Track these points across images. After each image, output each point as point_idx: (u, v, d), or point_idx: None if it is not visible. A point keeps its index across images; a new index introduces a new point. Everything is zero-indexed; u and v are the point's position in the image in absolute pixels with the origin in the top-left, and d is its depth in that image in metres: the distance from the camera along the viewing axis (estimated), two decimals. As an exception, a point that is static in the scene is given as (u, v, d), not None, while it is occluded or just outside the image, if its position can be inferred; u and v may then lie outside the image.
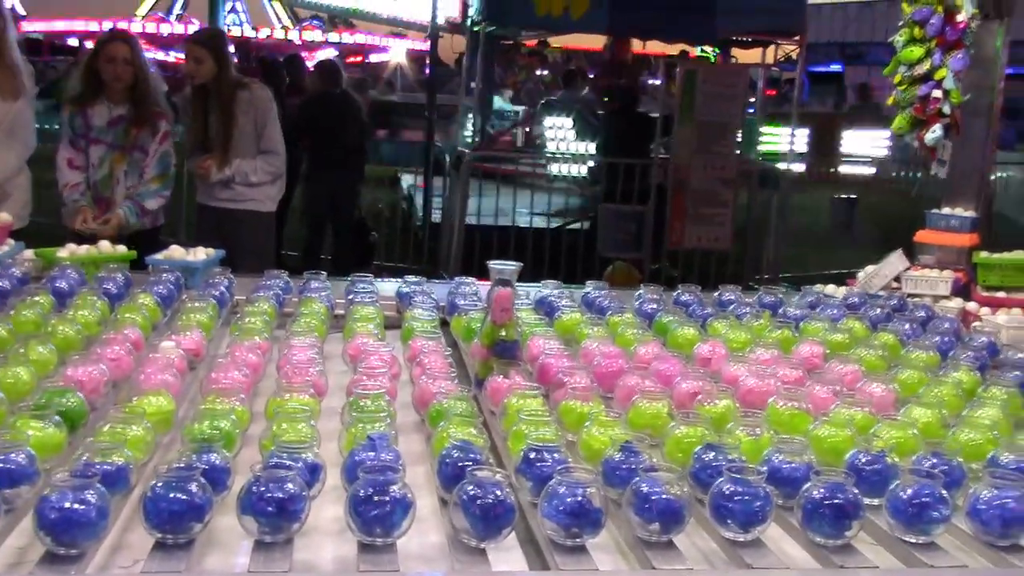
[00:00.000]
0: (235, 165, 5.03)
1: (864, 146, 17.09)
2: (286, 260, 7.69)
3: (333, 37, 33.07)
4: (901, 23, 3.89)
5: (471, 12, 8.42)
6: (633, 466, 1.79)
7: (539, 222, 8.86)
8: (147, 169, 4.72)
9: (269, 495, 1.57)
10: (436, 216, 9.74)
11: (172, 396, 2.10)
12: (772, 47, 9.22)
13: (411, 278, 3.42)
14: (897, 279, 3.72)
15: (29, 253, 3.59)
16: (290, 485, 1.59)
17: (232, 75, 5.10)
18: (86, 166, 4.68)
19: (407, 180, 11.15)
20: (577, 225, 9.08)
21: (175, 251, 3.60)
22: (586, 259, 8.27)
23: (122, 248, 3.61)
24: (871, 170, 13.87)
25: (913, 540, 1.73)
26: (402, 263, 9.45)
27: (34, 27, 31.47)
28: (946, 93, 3.79)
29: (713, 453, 1.86)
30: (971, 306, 3.51)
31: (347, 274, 3.47)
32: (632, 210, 8.08)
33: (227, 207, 5.12)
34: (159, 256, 3.49)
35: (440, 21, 10.50)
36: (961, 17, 3.72)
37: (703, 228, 7.83)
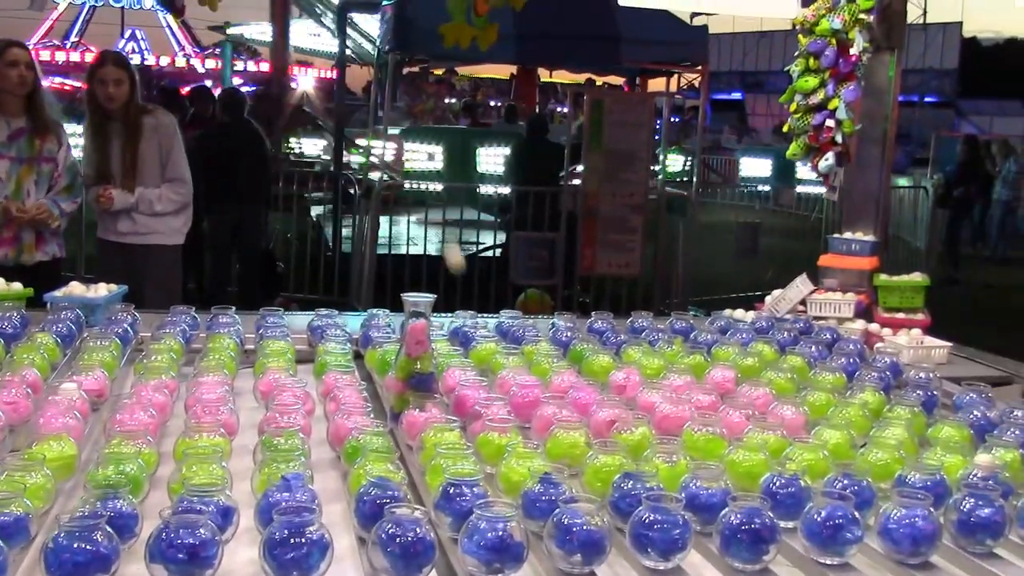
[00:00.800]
0: (139, 193, 4.87)
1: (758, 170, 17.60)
2: (191, 293, 7.52)
3: (238, 66, 32.65)
4: (797, 53, 4.01)
5: (379, 42, 8.40)
6: (553, 497, 1.79)
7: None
8: (59, 180, 4.58)
9: (180, 541, 1.52)
10: (346, 246, 9.65)
11: (74, 440, 2.02)
12: (675, 75, 9.44)
13: (323, 311, 3.37)
14: (803, 302, 3.81)
15: (-83, 293, 3.42)
16: (202, 530, 1.54)
17: (139, 100, 4.97)
18: None
19: (316, 210, 11.02)
20: (489, 252, 9.10)
21: (75, 287, 3.47)
22: (499, 286, 8.28)
23: (17, 285, 3.47)
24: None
25: (828, 561, 1.76)
26: (312, 294, 9.32)
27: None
28: (839, 123, 3.91)
29: (632, 481, 1.86)
30: (873, 327, 3.62)
31: (254, 306, 3.39)
32: (543, 237, 8.14)
33: (131, 242, 4.94)
34: (58, 293, 3.37)
35: (347, 51, 10.46)
36: (854, 50, 3.85)
37: (614, 254, 7.92)
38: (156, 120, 4.94)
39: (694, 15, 7.99)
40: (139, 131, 4.86)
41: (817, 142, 3.91)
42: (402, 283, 8.02)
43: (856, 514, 1.78)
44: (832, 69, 3.87)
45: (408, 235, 8.99)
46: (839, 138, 3.86)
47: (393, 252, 8.54)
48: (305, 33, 17.39)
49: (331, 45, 14.38)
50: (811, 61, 3.90)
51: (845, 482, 1.94)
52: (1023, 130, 27.56)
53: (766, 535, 1.72)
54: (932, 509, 1.80)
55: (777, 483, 1.93)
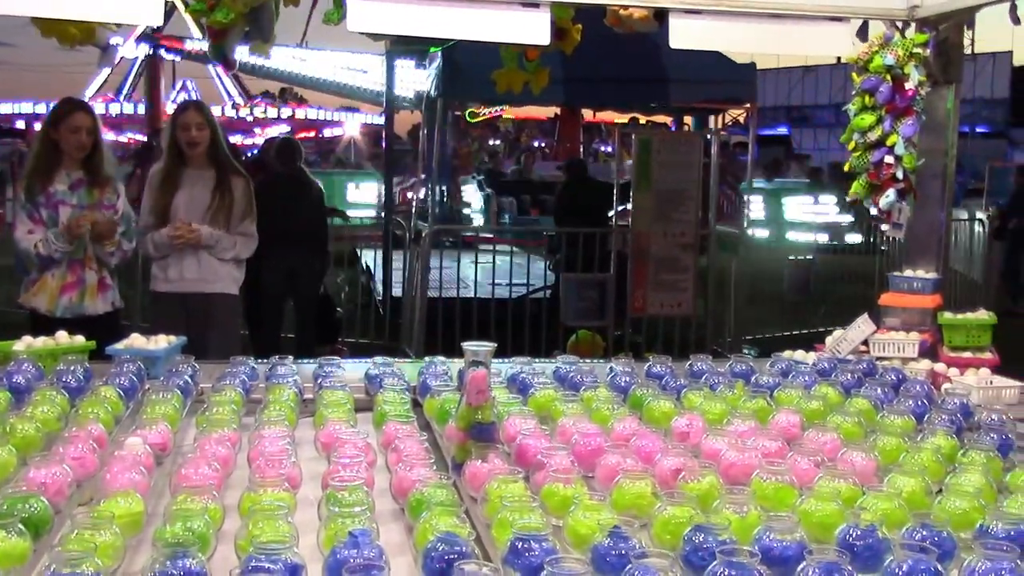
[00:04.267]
0: (214, 234, 4.93)
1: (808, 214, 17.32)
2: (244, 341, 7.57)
3: (285, 112, 33.20)
4: (854, 92, 3.97)
5: (429, 88, 8.48)
6: (623, 551, 1.75)
7: (501, 292, 8.85)
8: (116, 228, 4.69)
9: (250, 602, 1.51)
10: (396, 290, 9.70)
11: (141, 496, 2.03)
12: (721, 113, 9.42)
13: (379, 359, 3.37)
14: (865, 343, 3.74)
15: (-17, 347, 3.48)
16: (272, 590, 1.53)
17: (224, 150, 5.09)
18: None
19: (367, 255, 11.11)
20: (540, 294, 9.08)
21: (136, 339, 3.52)
22: (549, 328, 8.25)
23: (80, 338, 3.52)
24: (823, 236, 14.08)
25: (912, 617, 1.70)
26: (364, 338, 9.36)
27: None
28: (898, 159, 3.86)
29: (703, 534, 1.82)
30: (939, 367, 3.53)
31: (310, 352, 3.41)
32: (594, 278, 8.11)
33: (191, 291, 4.97)
34: (120, 345, 3.41)
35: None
36: (909, 85, 3.81)
37: (665, 294, 7.85)
38: (236, 175, 5.04)
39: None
40: (222, 179, 4.94)
41: (878, 179, 3.85)
42: (453, 326, 8.03)
43: (939, 567, 1.72)
44: (888, 105, 3.82)
45: (458, 277, 9.01)
46: (900, 174, 3.80)
47: (444, 295, 8.55)
48: (347, 69, 17.57)
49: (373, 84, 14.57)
50: (867, 98, 3.85)
51: (924, 532, 1.88)
52: (1078, 159, 27.05)
53: (846, 590, 1.66)
54: (1019, 561, 1.74)
55: (854, 534, 1.87)
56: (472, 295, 8.72)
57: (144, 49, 31.57)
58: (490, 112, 20.37)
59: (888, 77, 3.80)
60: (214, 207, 4.91)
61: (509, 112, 21.93)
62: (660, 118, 12.03)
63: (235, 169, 5.07)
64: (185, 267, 4.92)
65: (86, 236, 4.58)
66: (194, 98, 5.39)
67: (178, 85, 35.98)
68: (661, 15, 4.20)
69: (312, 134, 31.14)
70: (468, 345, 2.39)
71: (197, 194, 4.92)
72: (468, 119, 19.04)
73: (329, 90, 24.33)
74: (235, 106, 33.15)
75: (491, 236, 10.72)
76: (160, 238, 4.88)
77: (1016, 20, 3.70)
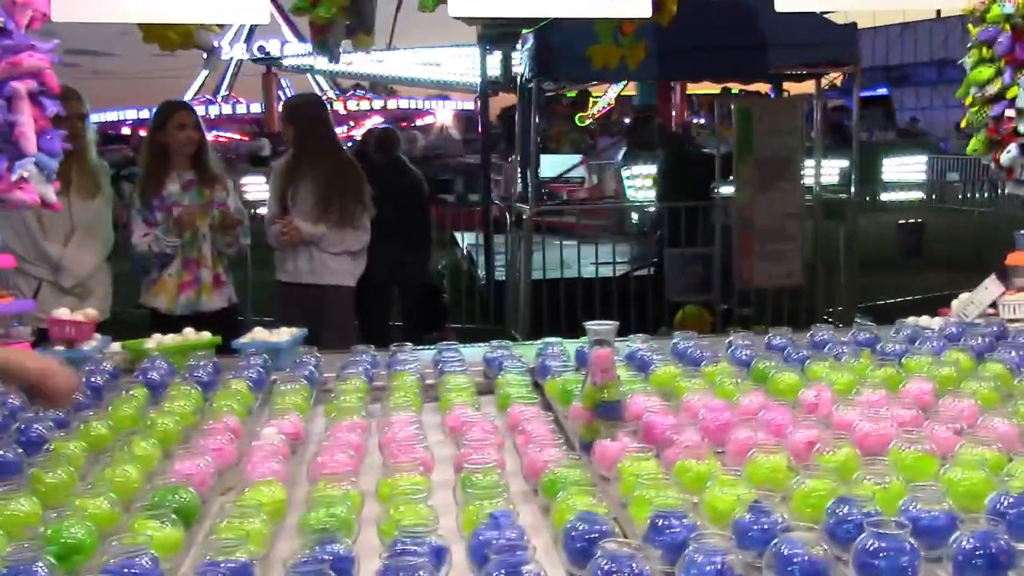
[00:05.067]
0: (315, 232, 5.10)
1: (907, 172, 16.73)
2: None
3: (378, 104, 33.64)
4: (969, 44, 3.82)
5: (521, 69, 8.46)
6: (766, 526, 1.73)
7: (605, 271, 8.81)
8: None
9: (402, 584, 1.53)
10: (499, 274, 9.74)
11: (282, 484, 2.08)
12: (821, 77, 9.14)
13: (496, 342, 3.39)
14: (993, 305, 3.60)
15: (116, 346, 3.62)
16: (421, 572, 1.55)
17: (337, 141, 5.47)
18: None
19: (468, 239, 11.19)
20: (644, 271, 9.01)
21: (258, 333, 3.61)
22: (655, 304, 8.19)
23: (207, 334, 3.64)
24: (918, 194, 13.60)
25: (1074, 586, 1.64)
26: (469, 323, 9.44)
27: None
28: (1020, 112, 3.70)
29: (847, 507, 1.78)
30: (1075, 327, 3.38)
31: (418, 340, 3.46)
32: (698, 252, 8.00)
33: (308, 281, 5.16)
34: (245, 339, 3.51)
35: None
36: (1031, 33, 3.64)
37: (773, 265, 7.70)
38: (350, 167, 5.26)
39: (825, 12, 7.72)
40: (335, 171, 5.17)
41: (998, 134, 3.70)
42: (558, 307, 8.03)
43: (1102, 534, 1.65)
44: (1008, 56, 3.66)
45: (561, 259, 9.00)
46: (1022, 128, 3.65)
47: (547, 277, 8.56)
48: (445, 68, 17.78)
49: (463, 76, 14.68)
50: (984, 50, 3.70)
51: (1081, 498, 1.81)
52: None
53: (1004, 559, 1.61)
54: None
55: (1005, 502, 1.81)
56: (576, 275, 8.70)
57: (240, 50, 32.41)
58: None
59: (1007, 27, 3.65)
60: (324, 201, 5.05)
61: (597, 90, 21.73)
62: (757, 86, 11.76)
63: (349, 161, 5.24)
64: (299, 260, 5.14)
65: (199, 233, 4.73)
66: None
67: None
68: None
69: (405, 124, 31.50)
70: (590, 324, 2.38)
71: (312, 187, 5.09)
72: (560, 100, 18.94)
73: (415, 85, 24.66)
74: (329, 101, 33.73)
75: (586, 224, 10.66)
76: (273, 232, 5.06)
77: None
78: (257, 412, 2.81)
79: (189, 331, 3.64)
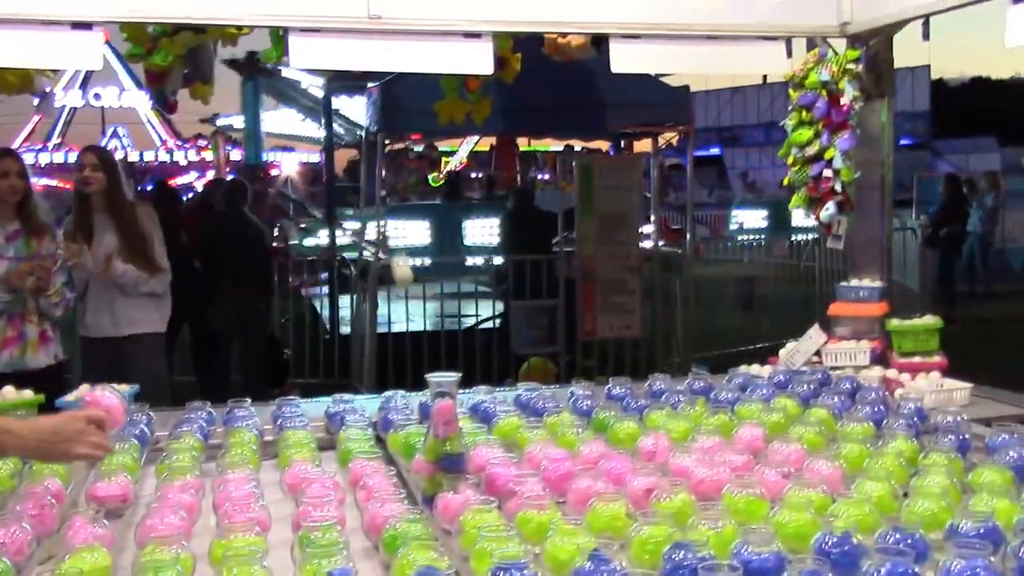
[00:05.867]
0: (122, 268, 4.91)
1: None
2: (182, 386, 7.44)
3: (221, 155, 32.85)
4: (790, 107, 4.05)
5: (366, 123, 8.47)
6: (605, 574, 1.74)
7: (450, 324, 8.82)
8: (56, 277, 4.59)
9: (233, 650, 1.47)
10: (344, 328, 9.62)
11: (106, 550, 1.97)
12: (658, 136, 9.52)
13: (338, 396, 3.34)
14: (817, 353, 3.79)
15: (-74, 406, 3.37)
16: (255, 637, 1.49)
17: (123, 191, 5.09)
18: None
19: (312, 293, 10.99)
20: (489, 324, 9.08)
21: (84, 390, 3.43)
22: (501, 356, 8.24)
23: (28, 393, 3.43)
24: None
25: (893, 620, 1.72)
26: (313, 378, 9.25)
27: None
28: (836, 172, 3.93)
29: (683, 552, 1.82)
30: (891, 373, 3.59)
31: (259, 394, 3.37)
32: (543, 305, 8.13)
33: (115, 335, 4.99)
34: (69, 397, 3.33)
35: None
36: (844, 100, 3.89)
37: (614, 317, 7.90)
38: (140, 210, 5.08)
39: (660, 75, 8.14)
40: (123, 217, 4.97)
41: (817, 192, 3.93)
42: (403, 361, 7.98)
43: (917, 569, 1.74)
44: (825, 120, 3.91)
45: (407, 313, 8.97)
46: (838, 187, 3.88)
47: (393, 331, 8.50)
48: (289, 120, 17.56)
49: (309, 130, 14.55)
50: (804, 114, 3.94)
51: (897, 536, 1.91)
52: (999, 166, 27.86)
53: (829, 597, 1.67)
54: (992, 558, 1.76)
55: (830, 542, 1.89)
56: (421, 328, 8.68)
57: (75, 96, 31.16)
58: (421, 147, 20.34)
59: (824, 92, 3.89)
60: (124, 248, 4.94)
61: (443, 145, 21.95)
62: (597, 143, 12.14)
63: (133, 206, 5.11)
64: (101, 313, 4.98)
65: (26, 288, 4.47)
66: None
67: (108, 131, 35.50)
68: (598, 42, 4.26)
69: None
70: (432, 376, 2.37)
71: (106, 240, 4.95)
72: (408, 154, 19.00)
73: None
74: (168, 150, 32.80)
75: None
76: (79, 271, 4.87)
77: (926, 36, 3.83)
78: (82, 474, 2.66)
79: (8, 389, 3.43)
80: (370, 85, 8.01)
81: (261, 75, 10.52)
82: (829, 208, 3.98)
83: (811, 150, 3.98)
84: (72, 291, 4.77)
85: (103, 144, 31.16)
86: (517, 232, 9.00)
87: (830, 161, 3.93)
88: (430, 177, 19.73)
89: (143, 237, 5.02)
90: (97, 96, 32.69)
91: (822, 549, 1.88)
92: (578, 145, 14.12)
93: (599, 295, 7.89)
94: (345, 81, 8.83)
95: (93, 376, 3.69)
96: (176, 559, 1.85)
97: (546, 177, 23.89)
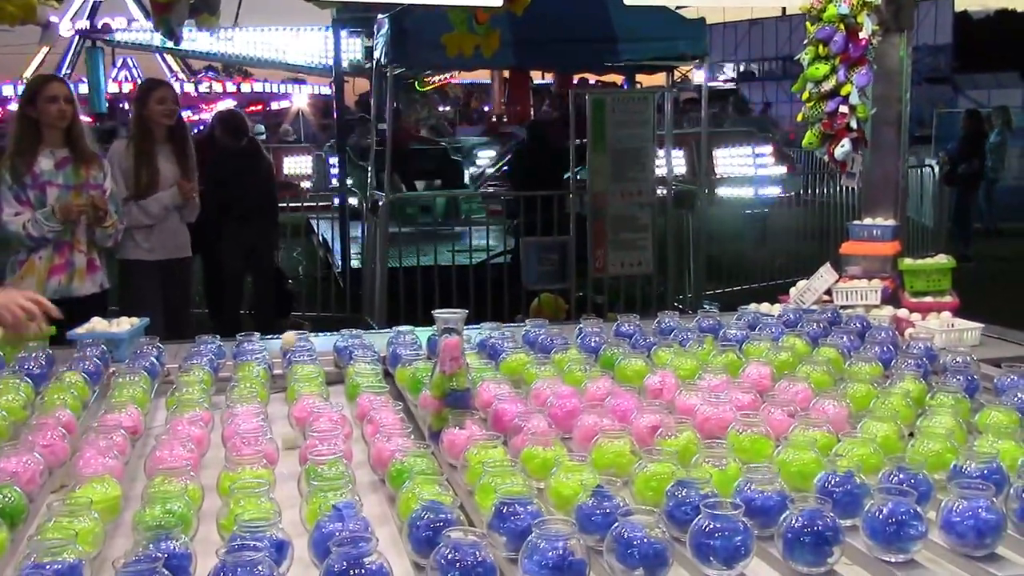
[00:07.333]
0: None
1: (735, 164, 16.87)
2: (206, 321, 7.50)
3: (231, 87, 32.68)
4: (806, 41, 3.97)
5: (376, 54, 8.37)
6: (608, 511, 1.76)
7: (461, 259, 8.82)
8: (108, 207, 4.69)
9: (240, 580, 1.49)
10: (355, 262, 9.63)
11: (116, 480, 2.00)
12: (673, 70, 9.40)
13: (346, 331, 3.35)
14: (828, 292, 3.78)
15: (-60, 339, 3.39)
16: (260, 567, 1.51)
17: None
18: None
19: (323, 227, 11.00)
20: (500, 259, 9.07)
21: (97, 323, 3.45)
22: (512, 292, 8.25)
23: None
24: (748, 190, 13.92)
25: (893, 559, 1.73)
26: (324, 312, 9.30)
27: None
28: (852, 108, 3.88)
29: (685, 489, 1.83)
30: (902, 313, 3.58)
31: (268, 328, 3.39)
32: (554, 241, 8.11)
33: (165, 258, 5.25)
34: (81, 330, 3.35)
35: (343, 65, 10.45)
36: (863, 34, 3.82)
37: (625, 253, 7.88)
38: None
39: (679, 7, 7.99)
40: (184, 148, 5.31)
41: (832, 129, 3.87)
42: (415, 295, 8.00)
43: (918, 509, 1.75)
44: (842, 54, 3.83)
45: (417, 245, 8.96)
46: (854, 124, 3.83)
47: (404, 264, 8.51)
48: (297, 50, 17.39)
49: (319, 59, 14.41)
50: (821, 48, 3.86)
51: (901, 476, 1.91)
52: (1021, 101, 27.47)
53: (830, 536, 1.68)
54: (995, 499, 1.77)
55: (832, 481, 1.89)
56: (432, 263, 8.69)
57: (82, 25, 30.80)
58: (440, 80, 20.17)
59: (842, 26, 3.81)
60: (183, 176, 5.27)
61: (457, 77, 21.73)
62: (611, 77, 12.00)
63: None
64: (152, 234, 5.20)
65: (80, 220, 4.52)
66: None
67: (119, 63, 35.27)
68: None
69: (259, 107, 30.71)
70: (439, 313, 2.37)
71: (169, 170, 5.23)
72: (418, 87, 18.82)
73: (266, 66, 23.91)
74: (180, 82, 32.58)
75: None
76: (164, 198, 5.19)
77: None
78: (93, 406, 2.69)
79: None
80: (380, 16, 7.90)
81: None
82: (844, 145, 3.92)
83: (827, 85, 3.91)
84: (122, 221, 4.84)
85: (113, 75, 31.00)
86: (529, 168, 8.94)
87: (846, 97, 3.87)
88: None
89: (193, 167, 5.29)
90: (106, 27, 32.36)
91: (824, 488, 1.88)
92: (593, 79, 13.96)
93: (610, 231, 7.86)
94: (354, 12, 8.72)
95: (132, 299, 3.82)
96: (184, 490, 1.87)
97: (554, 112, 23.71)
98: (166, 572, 1.50)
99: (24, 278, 4.52)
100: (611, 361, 2.92)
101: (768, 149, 16.28)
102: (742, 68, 39.31)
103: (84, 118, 4.83)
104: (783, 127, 23.17)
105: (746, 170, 15.06)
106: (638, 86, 9.47)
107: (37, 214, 4.47)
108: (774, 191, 12.92)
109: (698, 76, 9.24)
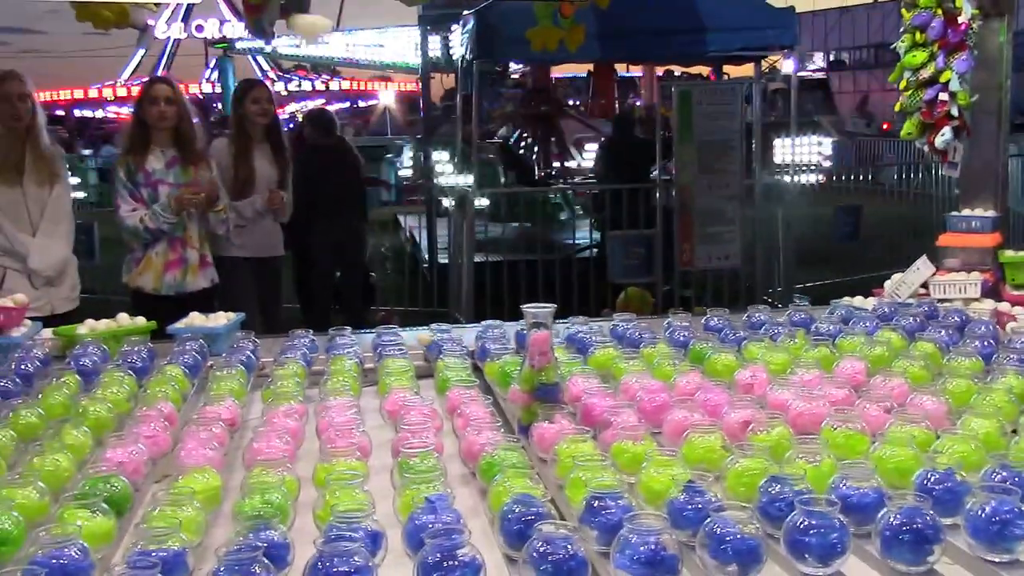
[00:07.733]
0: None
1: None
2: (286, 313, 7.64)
3: (319, 85, 33.24)
4: (902, 29, 3.87)
5: (461, 50, 8.43)
6: (700, 506, 1.75)
7: (548, 253, 8.82)
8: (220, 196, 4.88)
9: (336, 570, 1.52)
10: (441, 256, 9.72)
11: (216, 471, 2.06)
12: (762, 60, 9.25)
13: (436, 325, 3.38)
14: (924, 285, 3.68)
15: (48, 332, 3.54)
16: (356, 558, 1.54)
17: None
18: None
19: (410, 222, 11.12)
20: (586, 253, 9.04)
21: (195, 318, 3.55)
22: (598, 286, 8.23)
23: (141, 320, 3.57)
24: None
25: (997, 559, 1.68)
26: (412, 306, 9.40)
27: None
28: (952, 95, 3.77)
29: (779, 485, 1.81)
30: (1003, 306, 3.46)
31: (354, 321, 3.46)
32: (640, 235, 8.06)
33: (262, 255, 5.39)
34: (180, 324, 3.45)
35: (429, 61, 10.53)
36: (962, 19, 3.71)
37: (713, 247, 7.79)
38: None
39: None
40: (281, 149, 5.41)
41: (931, 118, 3.77)
42: (501, 289, 8.03)
43: (1022, 507, 1.69)
44: (941, 40, 3.73)
45: (504, 242, 8.99)
46: (954, 111, 3.71)
47: (490, 259, 8.55)
48: (388, 49, 17.59)
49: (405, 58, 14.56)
50: (918, 35, 3.76)
51: (1004, 474, 1.86)
52: None
53: (930, 535, 1.65)
54: (1104, 499, 1.71)
55: (932, 479, 1.85)
56: (518, 257, 8.71)
57: (177, 29, 31.63)
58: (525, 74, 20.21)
59: (939, 12, 3.71)
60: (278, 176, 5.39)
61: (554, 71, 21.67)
62: (698, 69, 11.87)
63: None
64: (252, 232, 5.33)
65: (191, 211, 4.69)
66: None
67: (212, 63, 36.13)
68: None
69: (347, 105, 31.19)
70: (528, 307, 2.38)
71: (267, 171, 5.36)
72: (505, 82, 18.86)
73: (362, 67, 24.28)
74: (271, 81, 33.26)
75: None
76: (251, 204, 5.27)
77: None
78: (192, 398, 2.78)
79: (123, 316, 3.57)
80: (465, 12, 7.95)
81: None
82: (945, 134, 3.81)
83: (925, 73, 3.81)
84: (232, 212, 5.00)
85: (206, 76, 31.78)
86: (615, 161, 8.90)
87: (945, 84, 3.76)
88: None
89: (289, 165, 5.39)
90: (199, 28, 33.22)
91: (924, 486, 1.84)
92: (679, 71, 13.83)
93: (697, 224, 7.78)
94: (442, 8, 8.79)
95: (227, 295, 3.92)
96: (282, 481, 1.92)
97: (641, 104, 23.50)
98: (266, 561, 1.55)
99: (142, 274, 4.70)
100: (701, 355, 2.89)
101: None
102: (832, 57, 38.46)
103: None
104: (877, 119, 22.59)
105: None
106: (725, 77, 9.34)
107: (155, 206, 4.64)
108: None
109: (787, 66, 9.04)
